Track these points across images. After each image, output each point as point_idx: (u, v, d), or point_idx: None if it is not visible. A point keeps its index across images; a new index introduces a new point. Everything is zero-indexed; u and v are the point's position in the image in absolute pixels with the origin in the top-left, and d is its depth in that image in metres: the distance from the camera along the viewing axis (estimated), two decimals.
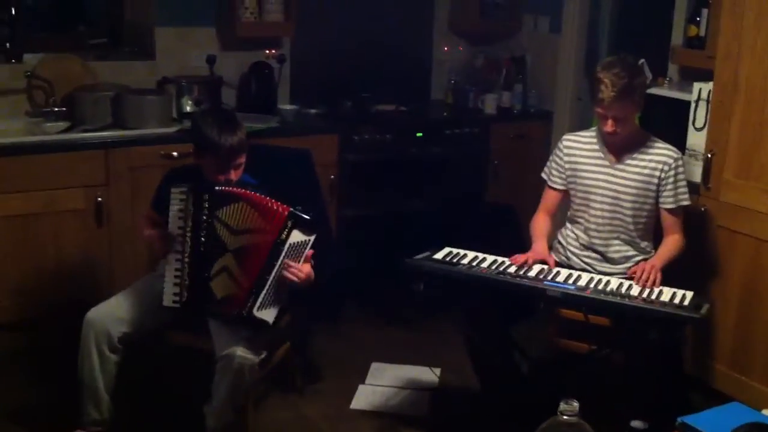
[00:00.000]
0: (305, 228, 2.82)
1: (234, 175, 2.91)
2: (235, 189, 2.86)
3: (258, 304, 2.78)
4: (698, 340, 3.45)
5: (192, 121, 2.95)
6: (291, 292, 2.91)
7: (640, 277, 2.87)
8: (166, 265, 2.91)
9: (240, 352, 2.78)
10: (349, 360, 3.81)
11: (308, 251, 2.86)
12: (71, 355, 3.00)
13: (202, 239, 2.84)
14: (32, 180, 3.59)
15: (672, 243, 3.09)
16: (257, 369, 2.87)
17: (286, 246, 2.79)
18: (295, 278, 2.82)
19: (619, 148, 3.11)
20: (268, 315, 2.83)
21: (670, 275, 2.95)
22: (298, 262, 2.85)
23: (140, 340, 2.98)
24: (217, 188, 2.85)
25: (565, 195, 3.26)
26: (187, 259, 2.85)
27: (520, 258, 3.02)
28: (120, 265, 3.77)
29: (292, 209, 2.79)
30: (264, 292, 2.79)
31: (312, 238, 2.85)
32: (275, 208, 2.80)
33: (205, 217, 2.83)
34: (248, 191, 2.86)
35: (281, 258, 2.79)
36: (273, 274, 2.79)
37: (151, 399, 3.28)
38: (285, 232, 2.78)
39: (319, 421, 3.33)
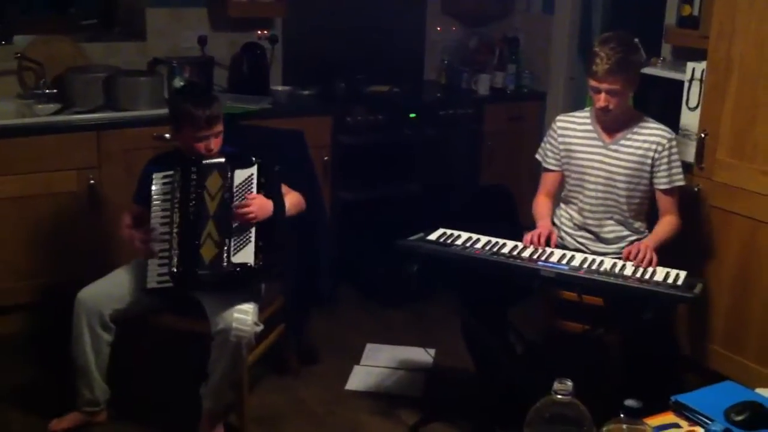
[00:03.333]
0: (243, 164, 2.95)
1: (214, 144, 2.97)
2: (217, 160, 2.96)
3: (231, 250, 2.85)
4: (692, 319, 3.46)
5: (168, 98, 3.03)
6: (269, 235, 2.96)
7: (636, 257, 2.87)
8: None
9: (236, 324, 2.80)
10: (344, 341, 3.82)
11: (255, 183, 2.94)
12: (66, 337, 3.01)
13: (191, 209, 2.91)
14: (24, 163, 3.57)
15: (667, 223, 3.09)
16: (254, 343, 2.89)
17: (234, 189, 2.90)
18: (246, 210, 2.88)
19: (612, 128, 3.10)
20: (245, 256, 2.86)
21: (664, 255, 2.94)
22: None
23: (133, 320, 2.98)
24: (204, 162, 2.94)
25: (563, 175, 3.25)
26: (176, 230, 2.90)
27: (533, 239, 2.98)
28: (113, 248, 3.73)
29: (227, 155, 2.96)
30: (231, 237, 2.86)
31: (254, 169, 2.95)
32: (219, 161, 2.94)
33: (192, 188, 2.92)
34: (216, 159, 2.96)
35: (234, 201, 2.90)
36: (233, 218, 2.88)
37: (146, 382, 3.28)
38: (229, 177, 2.91)
39: (315, 403, 3.33)
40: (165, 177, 2.96)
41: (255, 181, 2.93)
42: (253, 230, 2.90)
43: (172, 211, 2.92)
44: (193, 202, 2.91)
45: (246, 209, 2.87)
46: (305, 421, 3.23)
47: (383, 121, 4.39)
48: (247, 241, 2.88)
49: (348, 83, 4.54)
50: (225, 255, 2.84)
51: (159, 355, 3.28)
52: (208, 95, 3.08)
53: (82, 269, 3.64)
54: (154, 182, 2.97)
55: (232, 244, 2.86)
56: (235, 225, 2.88)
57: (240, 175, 2.93)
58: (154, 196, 2.96)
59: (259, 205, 2.91)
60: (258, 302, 2.97)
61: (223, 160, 2.96)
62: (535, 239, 2.99)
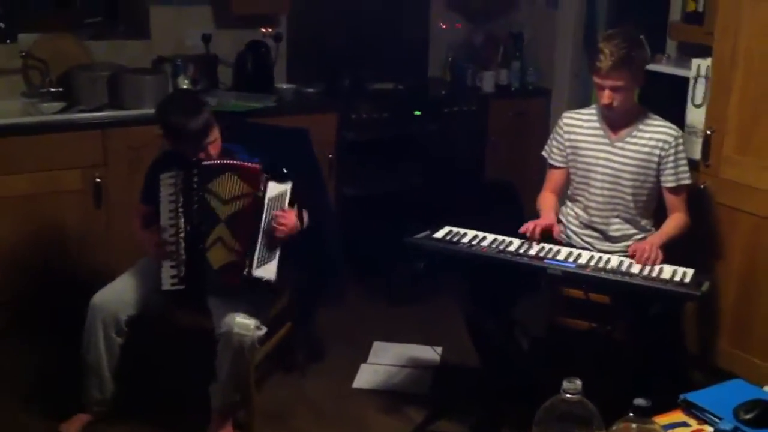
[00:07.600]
0: (280, 178, 2.90)
1: (212, 149, 2.92)
2: (222, 161, 2.90)
3: (255, 263, 2.83)
4: (699, 317, 3.46)
5: (156, 110, 2.96)
6: (288, 250, 2.95)
7: (641, 256, 2.86)
8: None
9: (237, 329, 2.80)
10: (350, 339, 3.82)
11: (287, 200, 2.91)
12: (69, 333, 3.01)
13: (195, 213, 2.88)
14: (29, 161, 3.58)
15: (674, 221, 3.08)
16: (257, 346, 2.89)
17: (266, 200, 2.85)
18: (282, 228, 2.86)
19: (618, 125, 3.10)
20: (268, 272, 2.87)
21: (671, 253, 2.94)
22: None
23: (145, 320, 2.99)
24: (204, 162, 2.89)
25: (568, 172, 3.25)
26: (182, 235, 2.88)
27: (529, 225, 2.99)
28: (118, 246, 3.75)
29: (263, 164, 2.88)
30: (257, 250, 2.83)
31: (289, 186, 2.91)
32: (251, 167, 2.87)
33: (194, 191, 2.88)
34: (232, 161, 2.91)
35: (264, 213, 2.85)
36: (261, 230, 2.85)
37: (155, 379, 3.29)
38: (262, 187, 2.85)
39: (322, 400, 3.34)
40: (170, 178, 2.93)
41: (287, 197, 2.91)
42: (279, 247, 2.90)
43: (177, 212, 2.90)
44: (196, 205, 2.87)
45: (281, 226, 2.86)
46: (313, 417, 3.23)
47: (388, 117, 4.40)
48: (273, 257, 2.88)
49: (352, 80, 4.54)
50: (246, 266, 2.82)
51: (171, 353, 3.28)
52: (197, 103, 2.93)
53: (87, 267, 3.66)
54: (161, 183, 2.93)
55: (256, 256, 2.83)
56: (262, 237, 2.84)
57: (274, 188, 2.88)
58: (161, 198, 2.92)
59: (292, 223, 2.91)
60: (266, 306, 2.97)
61: (233, 162, 2.89)
62: (530, 227, 2.97)
